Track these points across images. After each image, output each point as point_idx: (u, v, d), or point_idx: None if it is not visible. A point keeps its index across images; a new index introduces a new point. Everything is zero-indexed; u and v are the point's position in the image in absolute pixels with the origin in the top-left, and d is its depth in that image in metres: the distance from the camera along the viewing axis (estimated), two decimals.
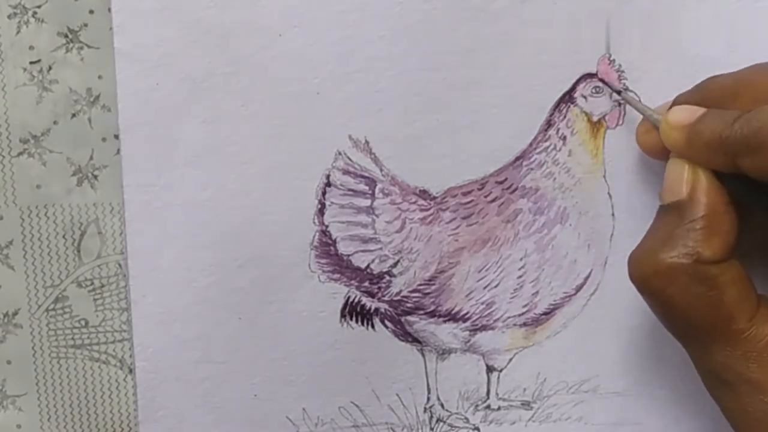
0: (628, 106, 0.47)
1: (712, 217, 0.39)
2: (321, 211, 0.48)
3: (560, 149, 0.48)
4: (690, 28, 0.48)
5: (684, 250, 0.39)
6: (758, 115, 0.38)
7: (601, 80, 0.47)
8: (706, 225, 0.39)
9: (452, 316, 0.49)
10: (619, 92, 0.47)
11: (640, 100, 0.47)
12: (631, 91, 0.47)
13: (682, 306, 0.39)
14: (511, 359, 0.50)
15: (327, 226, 0.48)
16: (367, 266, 0.48)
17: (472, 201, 0.48)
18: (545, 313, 0.49)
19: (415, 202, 0.48)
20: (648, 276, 0.40)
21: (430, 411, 0.50)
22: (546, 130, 0.48)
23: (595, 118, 0.48)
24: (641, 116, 0.46)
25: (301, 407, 0.49)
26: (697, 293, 0.39)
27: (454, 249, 0.48)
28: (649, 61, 0.48)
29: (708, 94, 0.42)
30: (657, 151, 0.44)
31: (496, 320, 0.49)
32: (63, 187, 0.48)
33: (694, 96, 0.43)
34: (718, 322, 0.39)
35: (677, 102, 0.44)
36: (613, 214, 0.49)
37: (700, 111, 0.41)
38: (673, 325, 0.41)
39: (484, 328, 0.49)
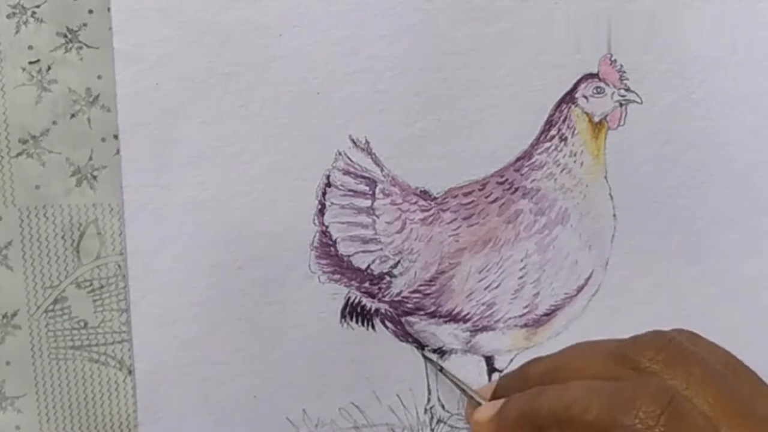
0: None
1: None
2: (321, 212, 0.48)
3: (561, 150, 0.48)
4: (692, 28, 0.48)
5: None
6: (567, 393, 0.37)
7: None
8: None
9: (453, 317, 0.49)
10: (440, 368, 0.48)
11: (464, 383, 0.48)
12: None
13: None
14: (512, 360, 0.50)
15: (327, 227, 0.48)
16: (368, 267, 0.48)
17: (472, 201, 0.48)
18: (546, 314, 0.49)
19: (415, 203, 0.48)
20: None
21: (431, 412, 0.50)
22: (547, 131, 0.48)
23: (596, 119, 0.48)
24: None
25: (301, 408, 0.49)
26: None
27: (454, 250, 0.48)
28: (650, 61, 0.48)
29: (529, 378, 0.42)
30: None
31: (496, 321, 0.49)
32: (62, 188, 0.47)
33: (516, 378, 0.43)
34: None
35: (499, 384, 0.44)
36: (614, 215, 0.49)
37: (501, 402, 0.41)
38: None
39: (484, 329, 0.49)
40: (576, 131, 0.48)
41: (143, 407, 0.48)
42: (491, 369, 0.50)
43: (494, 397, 0.43)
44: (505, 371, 0.50)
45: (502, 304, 0.49)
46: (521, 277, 0.48)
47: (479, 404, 0.44)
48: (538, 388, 0.39)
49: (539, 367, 0.42)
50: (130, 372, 0.49)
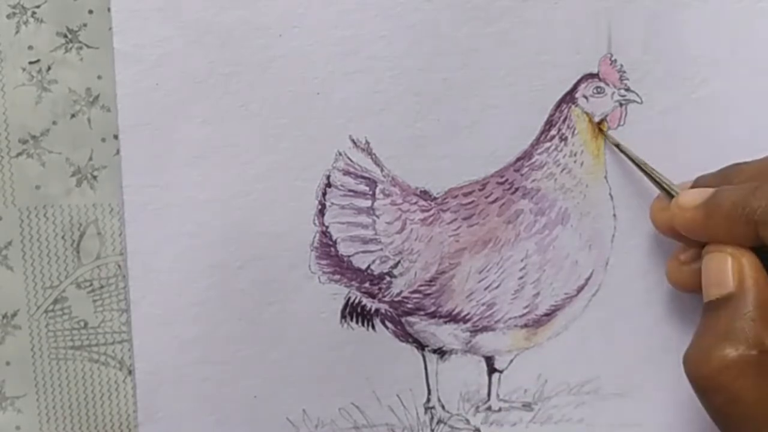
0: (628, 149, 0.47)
1: (765, 304, 0.38)
2: (321, 212, 0.48)
3: (561, 150, 0.48)
4: (692, 28, 0.48)
5: (748, 342, 0.38)
6: None
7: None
8: (763, 314, 0.38)
9: (453, 317, 0.49)
10: (639, 166, 0.47)
11: (656, 173, 0.46)
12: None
13: (750, 400, 0.37)
14: (512, 360, 0.50)
15: (327, 227, 0.48)
16: (368, 267, 0.48)
17: (473, 202, 0.48)
18: (546, 314, 0.49)
19: (415, 203, 0.48)
20: (714, 373, 0.38)
21: (431, 412, 0.50)
22: (547, 131, 0.48)
23: (596, 119, 0.48)
24: (656, 190, 0.46)
25: (301, 408, 0.49)
26: (764, 385, 0.37)
27: (454, 250, 0.48)
28: (650, 61, 0.48)
29: (730, 180, 0.41)
30: (672, 230, 0.44)
31: (497, 321, 0.49)
32: (62, 188, 0.47)
33: (716, 179, 0.42)
34: None
35: (698, 182, 0.44)
36: (614, 215, 0.49)
37: (710, 191, 0.40)
38: (737, 420, 0.38)
39: (485, 329, 0.49)
40: (576, 131, 0.48)
41: (143, 407, 0.48)
42: (491, 369, 0.50)
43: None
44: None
45: (502, 304, 0.49)
46: (521, 278, 0.48)
47: (671, 196, 0.43)
48: (753, 183, 0.38)
49: (741, 170, 0.41)
50: (130, 372, 0.49)
